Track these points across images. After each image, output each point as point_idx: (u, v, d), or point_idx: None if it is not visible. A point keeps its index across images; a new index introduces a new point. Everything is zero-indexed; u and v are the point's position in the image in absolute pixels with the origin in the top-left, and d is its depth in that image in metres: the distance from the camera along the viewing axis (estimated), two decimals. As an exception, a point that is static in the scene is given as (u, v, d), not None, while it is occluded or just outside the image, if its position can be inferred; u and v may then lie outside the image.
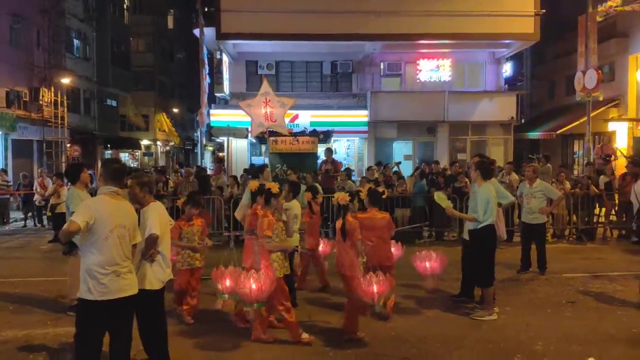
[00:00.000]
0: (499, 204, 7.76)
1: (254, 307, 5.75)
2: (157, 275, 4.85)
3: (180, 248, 6.66)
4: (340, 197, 6.28)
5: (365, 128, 21.63)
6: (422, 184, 13.07)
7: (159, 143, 42.10)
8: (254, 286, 5.58)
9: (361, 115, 21.61)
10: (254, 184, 6.71)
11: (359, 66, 22.48)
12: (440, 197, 7.50)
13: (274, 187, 6.17)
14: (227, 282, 5.88)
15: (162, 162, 40.02)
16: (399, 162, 16.27)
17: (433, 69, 22.28)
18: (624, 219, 12.91)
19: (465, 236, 7.39)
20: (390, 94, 21.97)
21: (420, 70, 22.25)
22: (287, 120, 19.30)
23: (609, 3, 16.84)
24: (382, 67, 22.33)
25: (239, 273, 5.86)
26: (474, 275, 7.30)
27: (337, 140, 21.42)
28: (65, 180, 12.00)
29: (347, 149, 22.76)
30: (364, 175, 15.01)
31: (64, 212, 8.44)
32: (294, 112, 20.25)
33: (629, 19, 19.73)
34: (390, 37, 19.87)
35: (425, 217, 12.83)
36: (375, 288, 5.67)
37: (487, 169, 7.19)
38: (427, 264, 7.08)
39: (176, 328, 6.35)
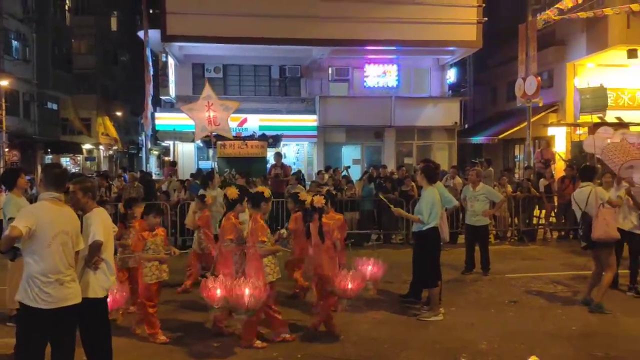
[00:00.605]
0: (445, 209, 7.95)
1: (248, 314, 5.67)
2: (101, 283, 4.72)
3: (146, 261, 6.25)
4: (316, 199, 6.40)
5: (315, 132, 21.70)
6: (370, 187, 13.24)
7: (101, 147, 40.99)
8: (247, 294, 5.52)
9: (310, 120, 21.67)
10: (233, 192, 6.59)
11: (307, 71, 22.55)
12: (385, 198, 7.64)
13: (267, 191, 6.21)
14: (218, 293, 5.71)
15: (105, 167, 38.95)
16: (348, 167, 16.43)
17: (380, 75, 22.60)
18: (563, 221, 13.42)
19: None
20: (339, 98, 22.12)
21: (367, 76, 22.55)
22: (235, 124, 19.23)
23: (548, 12, 17.44)
24: (330, 72, 22.49)
25: (230, 282, 5.75)
26: (419, 276, 7.44)
27: (287, 144, 21.40)
28: (3, 187, 11.51)
29: (296, 154, 22.78)
30: (314, 179, 15.06)
31: (2, 219, 8.11)
32: (242, 115, 20.15)
33: (567, 28, 20.54)
34: (337, 42, 20.01)
35: (373, 220, 12.99)
36: (350, 285, 6.00)
37: (432, 173, 7.37)
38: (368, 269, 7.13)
39: (134, 339, 6.20)
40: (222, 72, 22.25)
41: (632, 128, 17.78)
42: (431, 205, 7.01)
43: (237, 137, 15.57)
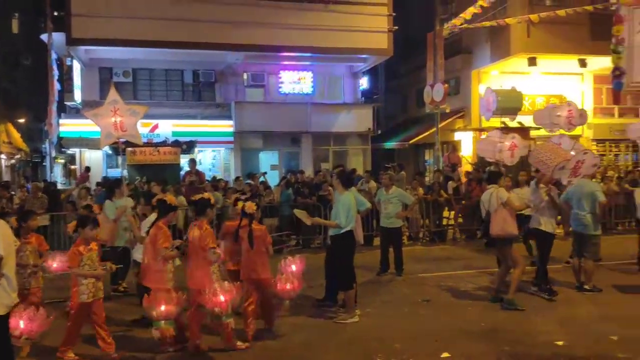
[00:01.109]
0: (358, 211, 8.11)
1: (229, 317, 5.77)
2: (2, 300, 4.43)
3: (82, 277, 5.84)
4: (248, 205, 6.55)
5: (231, 138, 21.43)
6: (288, 193, 13.29)
7: (2, 156, 38.42)
8: (222, 298, 5.59)
9: (226, 126, 21.39)
10: (172, 198, 6.46)
11: (221, 76, 22.25)
12: (300, 213, 7.72)
13: (212, 198, 6.35)
14: (162, 308, 5.62)
15: (6, 177, 36.55)
16: (265, 173, 16.40)
17: (295, 81, 22.71)
18: (472, 221, 14.02)
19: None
20: (255, 104, 22.00)
21: (282, 82, 22.62)
22: (146, 130, 18.66)
23: (454, 21, 18.18)
24: (245, 77, 22.28)
25: (175, 296, 5.80)
26: (336, 279, 7.54)
27: (202, 150, 21.02)
28: None
29: (212, 160, 22.41)
30: (231, 186, 14.88)
31: None
32: (154, 121, 19.61)
33: (473, 37, 21.55)
34: (251, 47, 19.94)
35: (292, 225, 13.01)
36: (289, 286, 6.50)
37: (347, 178, 7.53)
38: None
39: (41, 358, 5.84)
40: (132, 76, 21.48)
41: (532, 132, 18.92)
42: (347, 210, 7.14)
43: (147, 144, 15.11)
